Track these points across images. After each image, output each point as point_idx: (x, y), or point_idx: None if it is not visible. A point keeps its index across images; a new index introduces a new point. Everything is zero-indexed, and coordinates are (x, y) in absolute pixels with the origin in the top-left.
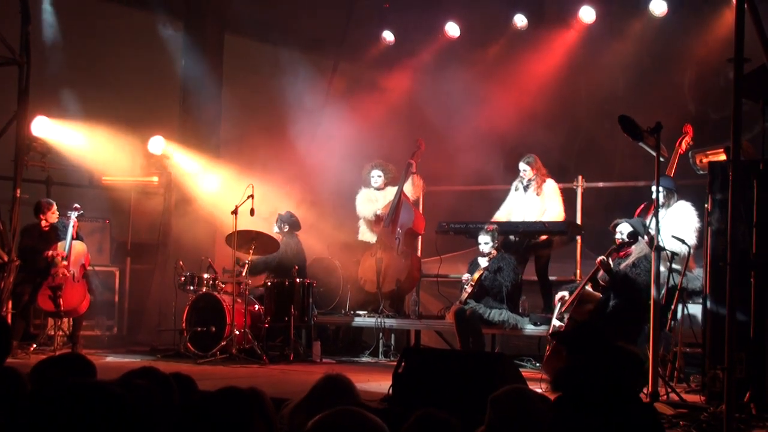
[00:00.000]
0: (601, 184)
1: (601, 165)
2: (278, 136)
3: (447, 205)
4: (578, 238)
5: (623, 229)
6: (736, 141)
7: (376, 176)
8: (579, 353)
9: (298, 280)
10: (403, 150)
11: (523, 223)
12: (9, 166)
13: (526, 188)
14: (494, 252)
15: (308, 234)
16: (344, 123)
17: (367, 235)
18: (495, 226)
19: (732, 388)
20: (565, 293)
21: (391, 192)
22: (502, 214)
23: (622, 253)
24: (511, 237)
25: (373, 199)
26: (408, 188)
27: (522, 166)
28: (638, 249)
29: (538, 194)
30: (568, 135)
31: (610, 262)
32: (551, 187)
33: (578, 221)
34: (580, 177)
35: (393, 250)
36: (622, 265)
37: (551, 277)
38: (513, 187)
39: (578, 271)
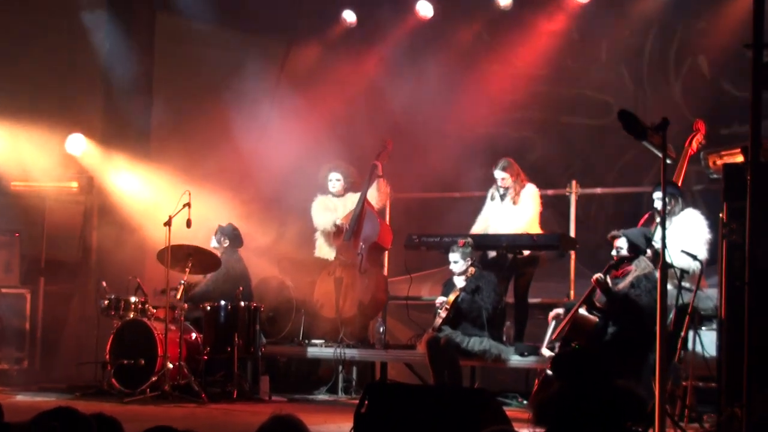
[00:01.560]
0: (598, 190)
1: (598, 168)
2: (220, 133)
3: (418, 215)
4: (572, 253)
5: (622, 245)
6: (754, 139)
7: (335, 180)
8: (572, 381)
9: (242, 303)
10: (368, 150)
11: (508, 236)
12: None
13: (503, 197)
14: (471, 270)
15: (255, 249)
16: (298, 119)
17: (324, 250)
18: (467, 241)
19: (751, 429)
20: (561, 311)
21: (352, 199)
22: (479, 228)
23: (619, 272)
24: (491, 252)
25: (331, 208)
26: (372, 195)
27: (499, 173)
28: (638, 266)
29: (515, 203)
30: (560, 133)
31: (608, 280)
32: (530, 193)
33: (572, 233)
34: (573, 182)
35: (355, 267)
36: (620, 285)
37: (537, 299)
38: (489, 196)
39: (572, 292)
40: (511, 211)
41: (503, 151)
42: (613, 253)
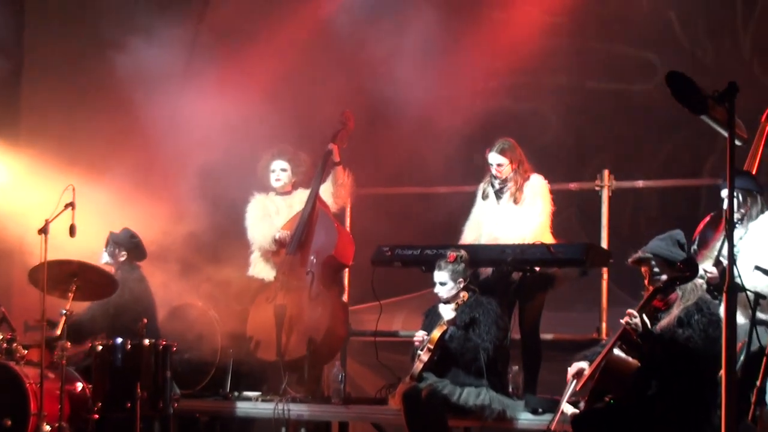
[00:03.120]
0: (640, 184)
1: (641, 153)
2: (116, 109)
3: (390, 219)
4: (603, 270)
5: (656, 268)
6: None
7: (279, 171)
8: None
9: (147, 341)
10: (322, 128)
11: (515, 247)
12: None
13: (499, 194)
14: (464, 295)
15: (163, 266)
16: (224, 88)
17: (260, 267)
18: (459, 255)
19: None
20: (584, 365)
21: (302, 198)
22: (470, 237)
23: (660, 302)
24: (483, 269)
25: (272, 211)
26: (327, 190)
27: (495, 158)
28: (684, 291)
29: (517, 201)
30: (585, 108)
31: (645, 320)
32: (536, 187)
33: (603, 243)
34: (605, 173)
35: (303, 291)
36: (663, 322)
37: (553, 335)
38: (479, 193)
39: (603, 325)
40: (513, 213)
41: (506, 129)
42: (651, 282)
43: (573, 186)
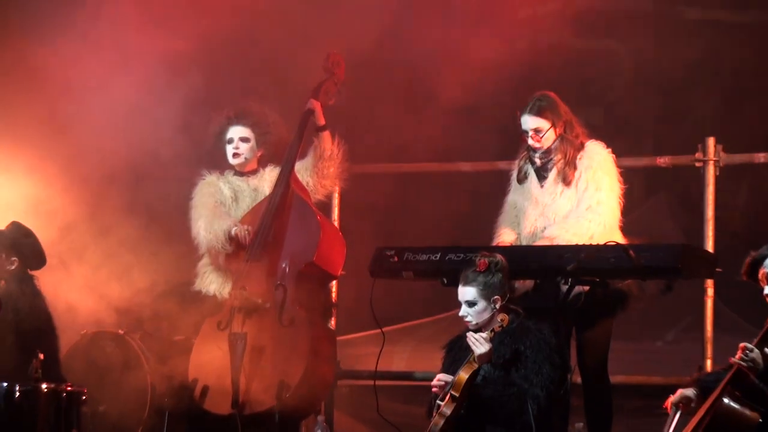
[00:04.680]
0: (761, 158)
1: (759, 115)
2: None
3: (393, 209)
4: (707, 284)
5: None
6: None
7: (239, 141)
8: None
9: (45, 386)
10: (302, 79)
11: (578, 249)
12: None
13: (542, 172)
14: (503, 318)
15: (67, 277)
16: (156, 25)
17: (210, 279)
18: (493, 261)
19: None
20: (690, 392)
21: (275, 179)
22: (508, 236)
23: None
24: (521, 282)
25: (228, 198)
26: (306, 168)
27: (529, 121)
28: None
29: (569, 181)
30: (679, 49)
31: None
32: (596, 157)
33: (707, 244)
34: (710, 142)
35: (270, 314)
36: None
37: (627, 377)
38: (515, 174)
39: (708, 362)
40: (565, 198)
41: (560, 83)
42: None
43: (662, 161)
